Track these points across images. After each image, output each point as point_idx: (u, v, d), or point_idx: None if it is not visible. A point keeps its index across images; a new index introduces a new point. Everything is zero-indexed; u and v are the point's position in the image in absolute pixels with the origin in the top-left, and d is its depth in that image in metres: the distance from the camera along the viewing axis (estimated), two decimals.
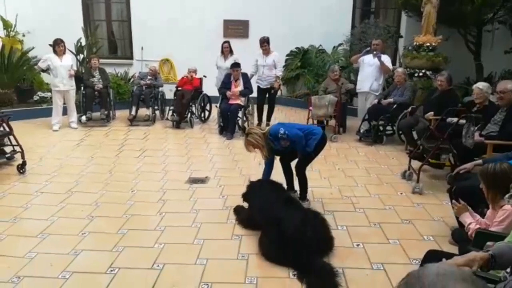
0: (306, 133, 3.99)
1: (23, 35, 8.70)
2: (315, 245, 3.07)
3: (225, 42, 7.71)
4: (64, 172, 5.12)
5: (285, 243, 3.07)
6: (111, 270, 2.99)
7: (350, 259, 3.17)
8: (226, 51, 7.57)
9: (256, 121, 7.57)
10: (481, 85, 4.79)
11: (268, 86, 7.35)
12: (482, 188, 2.73)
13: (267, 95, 7.48)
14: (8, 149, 5.19)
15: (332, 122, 7.06)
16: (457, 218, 2.98)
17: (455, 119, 4.55)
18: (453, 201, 2.87)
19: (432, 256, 2.29)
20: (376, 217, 3.94)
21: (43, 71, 7.23)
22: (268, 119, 7.60)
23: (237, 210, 3.97)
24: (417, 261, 3.05)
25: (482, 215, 3.01)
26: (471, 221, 2.71)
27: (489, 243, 2.14)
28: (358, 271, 3.01)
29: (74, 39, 8.37)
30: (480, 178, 2.72)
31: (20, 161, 5.00)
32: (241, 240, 3.46)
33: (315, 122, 7.04)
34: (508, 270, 1.82)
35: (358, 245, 3.41)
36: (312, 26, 9.25)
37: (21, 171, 4.97)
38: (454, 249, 2.91)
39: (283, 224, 3.17)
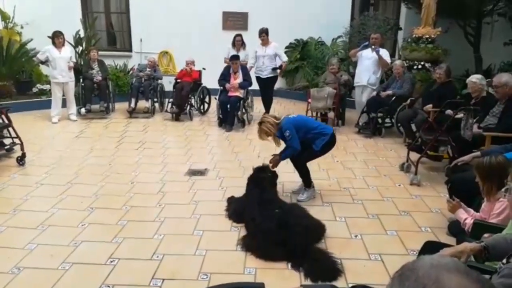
0: (316, 133, 4.02)
1: (22, 27, 8.66)
2: (301, 233, 3.13)
3: (237, 35, 7.60)
4: (64, 164, 5.13)
5: (271, 237, 3.13)
6: (111, 261, 3.01)
7: (348, 250, 3.20)
8: (238, 44, 7.49)
9: (254, 111, 7.59)
10: (475, 77, 4.80)
11: (269, 76, 7.34)
12: (477, 182, 2.74)
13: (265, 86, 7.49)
14: (7, 141, 5.20)
15: (331, 114, 7.07)
16: None
17: (452, 112, 4.56)
18: (447, 199, 2.88)
19: (430, 247, 2.31)
20: (374, 208, 3.96)
21: (42, 63, 7.20)
22: (267, 110, 7.61)
23: (230, 200, 4.03)
24: (414, 252, 3.08)
25: (480, 207, 3.04)
26: (466, 217, 2.72)
27: (485, 235, 2.16)
28: (356, 261, 3.04)
29: (72, 31, 8.32)
30: (476, 171, 2.74)
31: (20, 153, 5.01)
32: (239, 231, 3.48)
33: (314, 114, 7.05)
34: (504, 261, 1.84)
35: (356, 236, 3.44)
36: (312, 18, 9.21)
37: (20, 163, 4.98)
38: (451, 241, 2.93)
39: (264, 221, 3.28)
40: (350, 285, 2.71)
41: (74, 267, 2.94)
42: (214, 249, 3.19)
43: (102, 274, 2.84)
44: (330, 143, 4.07)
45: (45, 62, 7.08)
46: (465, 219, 2.70)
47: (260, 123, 4.07)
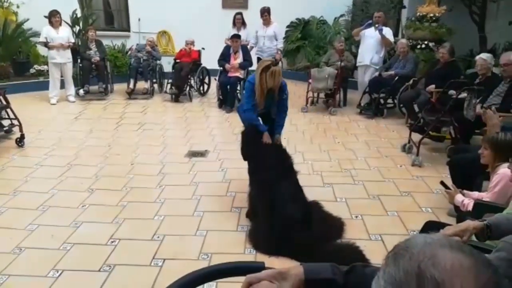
0: None
1: (17, 6, 8.46)
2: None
3: (237, 13, 7.44)
4: (63, 145, 5.10)
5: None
6: (112, 242, 3.02)
7: (348, 230, 3.19)
8: (239, 23, 7.33)
9: None
10: (485, 56, 4.73)
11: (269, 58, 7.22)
12: (481, 153, 2.73)
13: None
14: (6, 122, 5.15)
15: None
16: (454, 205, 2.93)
17: (455, 92, 4.50)
18: (445, 190, 2.85)
19: (431, 227, 2.30)
20: (375, 189, 3.95)
21: (46, 45, 6.99)
22: None
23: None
24: (415, 232, 3.07)
25: (480, 186, 3.02)
26: (463, 199, 2.71)
27: (487, 214, 2.15)
28: (356, 242, 3.03)
29: (69, 10, 8.16)
30: (486, 143, 2.71)
31: (19, 135, 4.98)
32: (240, 212, 3.48)
33: (315, 95, 6.98)
34: None
35: (356, 216, 3.43)
36: None
37: (19, 144, 4.95)
38: (452, 221, 2.92)
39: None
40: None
41: (75, 247, 2.95)
42: (214, 230, 3.20)
43: (103, 254, 2.85)
44: None
45: (48, 43, 6.91)
46: (462, 200, 2.69)
47: (269, 66, 3.40)
